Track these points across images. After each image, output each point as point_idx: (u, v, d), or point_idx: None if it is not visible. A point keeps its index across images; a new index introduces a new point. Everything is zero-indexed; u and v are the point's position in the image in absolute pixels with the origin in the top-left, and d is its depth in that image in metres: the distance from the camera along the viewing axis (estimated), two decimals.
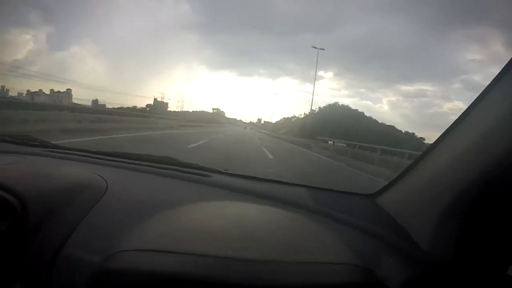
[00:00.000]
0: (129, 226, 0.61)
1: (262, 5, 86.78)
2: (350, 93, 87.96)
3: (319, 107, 44.15)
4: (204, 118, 46.14)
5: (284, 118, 60.69)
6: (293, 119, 53.99)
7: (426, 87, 65.83)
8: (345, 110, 38.36)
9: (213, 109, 73.61)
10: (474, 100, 0.63)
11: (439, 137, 0.70)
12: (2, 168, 0.74)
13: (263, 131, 50.66)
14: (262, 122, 75.00)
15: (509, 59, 0.57)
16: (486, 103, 0.61)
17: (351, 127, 26.49)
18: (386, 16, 72.44)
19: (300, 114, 53.00)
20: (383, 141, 19.24)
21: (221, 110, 77.85)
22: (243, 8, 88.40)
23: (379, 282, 0.56)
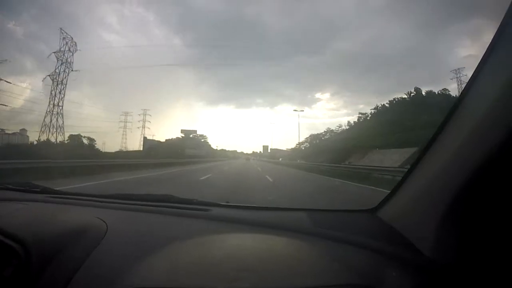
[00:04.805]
0: (130, 265, 0.62)
1: (252, 34, 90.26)
2: (349, 111, 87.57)
3: (373, 109, 35.70)
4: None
5: (311, 135, 48.15)
6: (323, 137, 40.59)
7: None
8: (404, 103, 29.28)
9: (182, 130, 42.26)
10: (456, 100, 0.63)
11: (429, 141, 0.70)
12: (6, 216, 0.76)
13: (282, 160, 37.38)
14: (269, 150, 61.17)
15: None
16: (468, 101, 0.61)
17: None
18: (376, 24, 73.51)
19: (339, 125, 41.39)
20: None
21: (199, 134, 45.67)
22: (235, 38, 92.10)
23: None
